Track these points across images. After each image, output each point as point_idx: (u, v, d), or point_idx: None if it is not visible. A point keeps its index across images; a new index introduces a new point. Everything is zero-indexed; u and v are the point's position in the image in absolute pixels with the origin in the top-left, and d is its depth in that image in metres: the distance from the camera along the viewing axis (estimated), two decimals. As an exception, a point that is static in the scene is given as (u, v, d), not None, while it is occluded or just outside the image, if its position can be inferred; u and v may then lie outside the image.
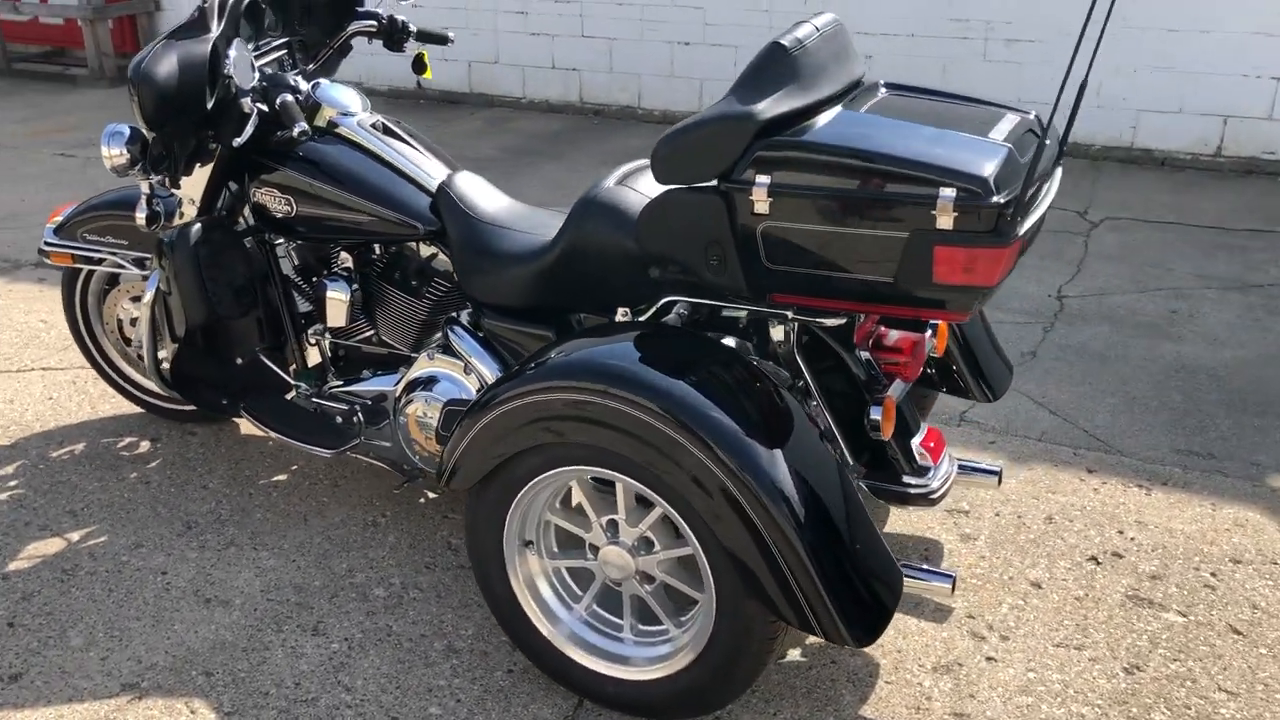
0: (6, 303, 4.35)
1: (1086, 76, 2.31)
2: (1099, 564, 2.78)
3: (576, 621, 2.31)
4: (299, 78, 2.84)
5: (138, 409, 3.45)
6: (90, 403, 3.55)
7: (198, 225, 2.76)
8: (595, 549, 2.26)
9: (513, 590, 2.29)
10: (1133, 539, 2.88)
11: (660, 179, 2.18)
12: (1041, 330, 4.17)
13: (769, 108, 2.09)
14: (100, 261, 3.17)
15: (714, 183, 2.12)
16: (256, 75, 2.58)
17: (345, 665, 2.42)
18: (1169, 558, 2.80)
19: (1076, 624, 2.56)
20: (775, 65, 2.14)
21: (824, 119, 2.14)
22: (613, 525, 2.22)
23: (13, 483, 3.10)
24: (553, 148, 6.67)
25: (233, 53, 2.45)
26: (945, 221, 1.97)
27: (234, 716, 2.28)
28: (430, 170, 2.75)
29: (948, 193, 1.96)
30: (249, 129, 2.60)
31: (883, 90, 2.35)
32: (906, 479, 2.41)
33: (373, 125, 2.79)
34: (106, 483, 3.11)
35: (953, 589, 2.29)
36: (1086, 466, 3.22)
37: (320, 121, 2.78)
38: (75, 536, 2.86)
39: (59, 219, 3.20)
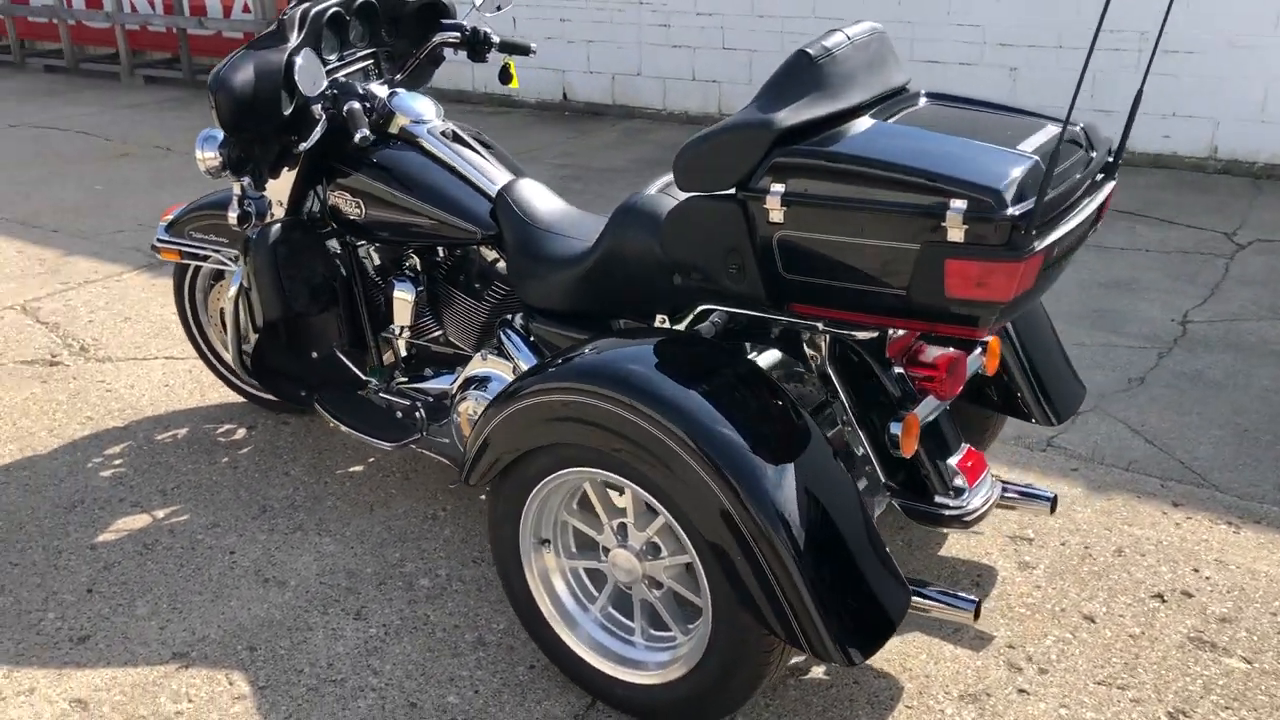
0: (147, 295, 4.67)
1: (1142, 86, 2.22)
2: (1164, 601, 2.63)
3: (591, 622, 2.34)
4: (383, 86, 2.97)
5: (241, 398, 3.66)
6: (201, 391, 3.78)
7: (278, 225, 2.91)
8: (607, 551, 2.28)
9: (529, 587, 2.34)
10: (1208, 578, 2.71)
11: (681, 186, 2.19)
12: (1156, 355, 3.96)
13: (788, 116, 2.07)
14: (205, 258, 3.38)
15: (732, 191, 2.12)
16: (326, 83, 2.71)
17: (378, 650, 2.52)
18: (1245, 600, 2.63)
19: (1125, 662, 2.43)
20: (799, 74, 2.12)
21: (846, 128, 2.11)
22: (623, 529, 2.24)
23: (117, 461, 3.34)
24: (684, 159, 6.70)
25: (300, 60, 2.58)
26: (956, 234, 1.92)
27: (267, 690, 2.40)
28: (494, 177, 2.83)
29: (958, 204, 1.91)
30: (315, 134, 2.73)
31: (923, 100, 2.30)
32: (939, 499, 2.34)
33: (443, 133, 2.89)
34: (199, 465, 3.31)
35: (975, 615, 2.21)
36: (1173, 500, 3.04)
37: (394, 129, 2.90)
38: (161, 514, 3.06)
39: (170, 217, 3.43)
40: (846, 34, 2.20)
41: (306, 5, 2.83)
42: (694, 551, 2.05)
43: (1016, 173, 1.93)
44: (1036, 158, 2.00)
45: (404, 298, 2.91)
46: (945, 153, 2.00)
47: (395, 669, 2.46)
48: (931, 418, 2.35)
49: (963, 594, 2.23)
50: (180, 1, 9.20)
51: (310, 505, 3.09)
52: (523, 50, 3.22)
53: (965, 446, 2.43)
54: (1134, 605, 2.62)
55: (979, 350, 2.52)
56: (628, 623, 2.33)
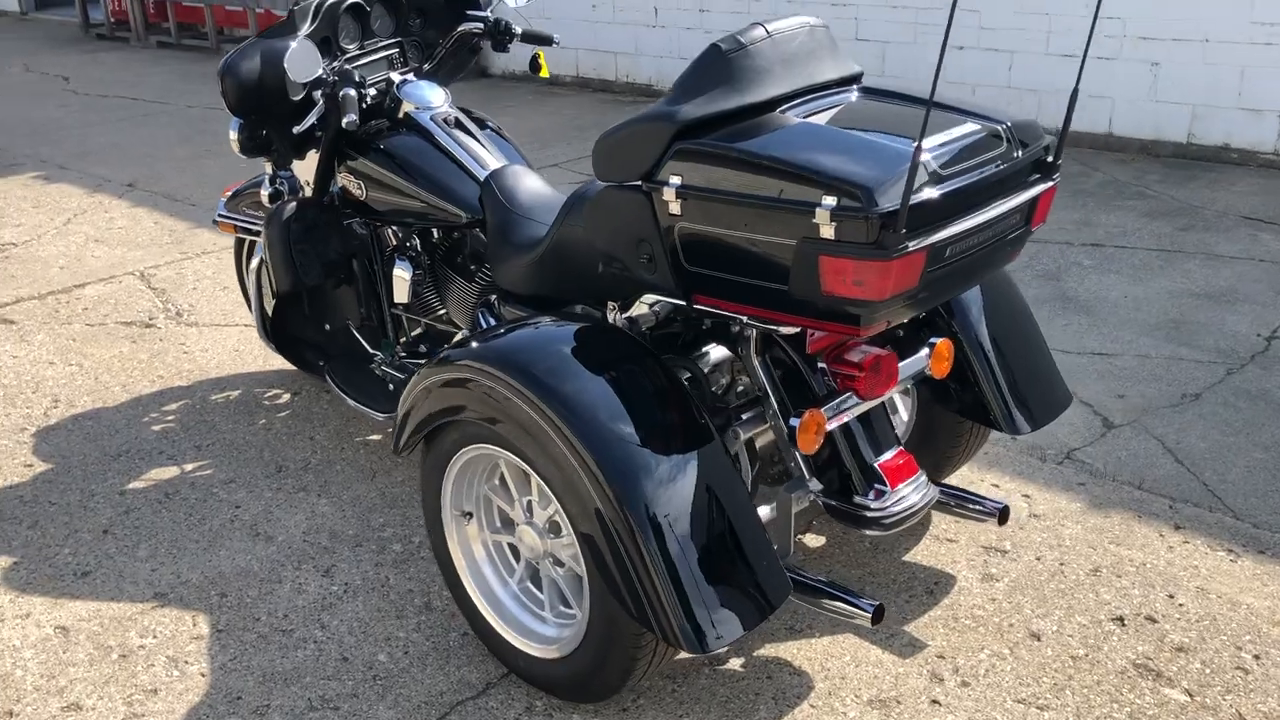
0: (250, 267, 5.01)
1: (1077, 85, 2.14)
2: (1123, 625, 2.51)
3: (505, 594, 2.42)
4: (408, 74, 3.13)
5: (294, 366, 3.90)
6: (265, 357, 4.05)
7: (293, 203, 3.10)
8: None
9: (450, 555, 2.44)
10: (1181, 605, 2.57)
11: (599, 176, 2.24)
12: (1224, 371, 3.72)
13: (692, 110, 2.10)
14: (257, 232, 3.62)
15: (639, 182, 2.16)
16: (320, 70, 2.87)
17: (332, 606, 2.67)
18: (1212, 632, 2.47)
19: (1055, 683, 2.34)
20: (709, 67, 2.14)
21: (750, 123, 2.11)
22: (531, 506, 2.31)
23: (170, 418, 3.63)
24: (800, 151, 6.65)
25: (293, 47, 2.74)
26: (827, 231, 1.91)
27: (222, 633, 2.59)
28: (488, 163, 2.93)
29: (829, 200, 1.90)
30: (310, 119, 2.90)
31: (852, 95, 2.27)
32: (858, 499, 2.31)
33: (445, 119, 3.01)
34: (238, 425, 3.56)
35: (874, 619, 2.18)
36: (1175, 522, 2.88)
37: (401, 115, 3.04)
38: (190, 467, 3.32)
39: (229, 194, 3.69)
40: (766, 27, 2.19)
41: (322, -2, 3.00)
42: (572, 532, 2.11)
43: (894, 169, 1.90)
44: (925, 152, 1.96)
45: (402, 276, 3.06)
46: (830, 148, 1.99)
47: (341, 625, 2.61)
48: (852, 417, 2.32)
49: (862, 596, 2.21)
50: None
51: (321, 468, 3.29)
52: (545, 40, 3.30)
53: (896, 448, 2.38)
54: (1088, 627, 2.51)
55: (924, 351, 2.47)
56: (541, 597, 2.40)
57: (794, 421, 2.20)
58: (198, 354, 4.11)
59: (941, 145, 2.01)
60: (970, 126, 2.10)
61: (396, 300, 3.11)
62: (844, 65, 2.33)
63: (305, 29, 2.95)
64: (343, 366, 3.28)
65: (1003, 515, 2.52)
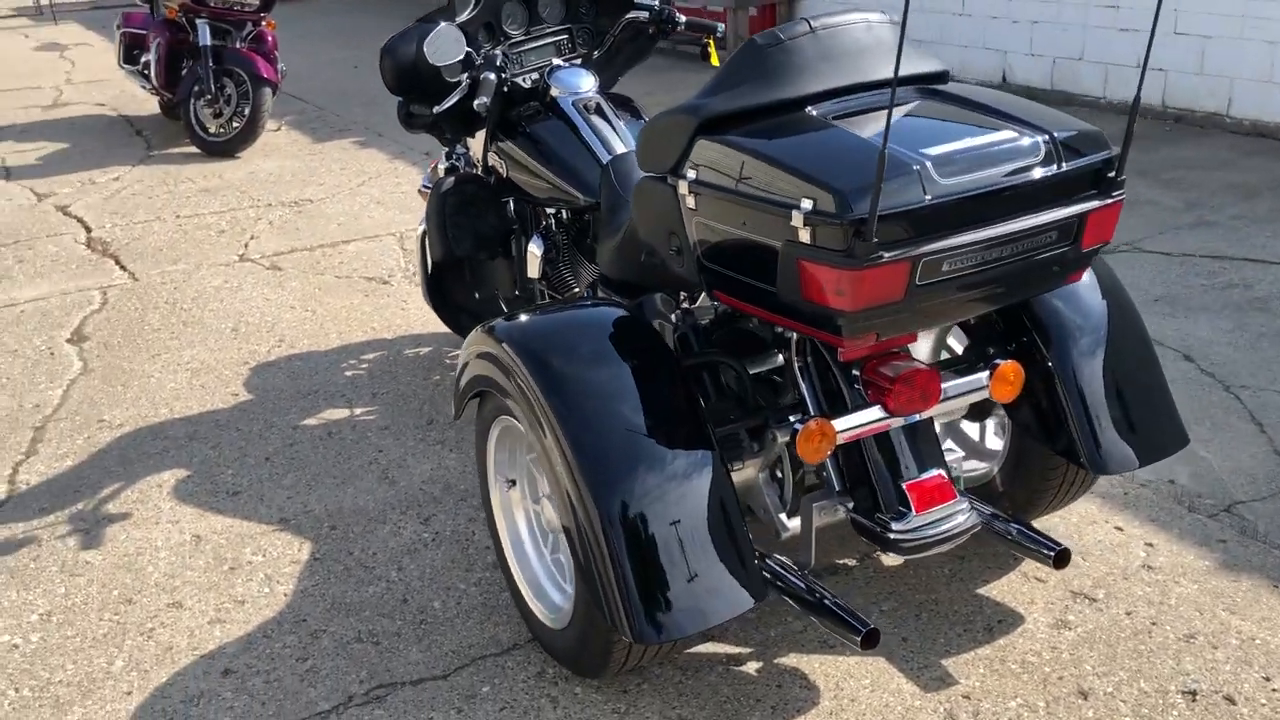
0: (492, 235, 5.35)
1: (1138, 94, 1.95)
2: (1192, 700, 2.24)
3: (539, 562, 2.51)
4: (570, 61, 3.27)
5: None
6: (466, 319, 4.35)
7: (452, 178, 3.33)
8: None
9: (493, 517, 2.56)
10: (1274, 691, 2.25)
11: (639, 166, 2.28)
12: None
13: (718, 104, 2.10)
14: (448, 203, 3.89)
15: (667, 174, 2.18)
16: (461, 54, 3.03)
17: (415, 552, 2.88)
18: (1299, 725, 2.16)
19: (1079, 747, 2.14)
20: (744, 61, 2.13)
21: (768, 120, 2.07)
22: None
23: (363, 365, 4.00)
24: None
25: (437, 29, 2.93)
26: (804, 235, 1.86)
27: (315, 562, 2.86)
28: (616, 149, 3.01)
29: (806, 204, 1.84)
30: (450, 100, 3.09)
31: (907, 92, 2.15)
32: (879, 517, 2.21)
33: (585, 105, 3.12)
34: (414, 379, 3.87)
35: (865, 643, 2.08)
36: (1316, 597, 2.51)
37: (548, 99, 3.18)
38: (359, 411, 3.65)
39: (433, 167, 3.98)
40: (810, 22, 2.13)
41: (486, -16, 3.19)
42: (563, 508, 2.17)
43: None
44: (926, 159, 1.85)
45: (535, 252, 3.20)
46: (826, 149, 1.92)
47: (416, 569, 2.81)
48: (881, 431, 2.21)
49: (861, 620, 2.11)
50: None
51: (465, 426, 3.51)
52: (709, 29, 3.33)
53: (934, 470, 2.24)
54: (1149, 696, 2.26)
55: (985, 372, 2.30)
56: (566, 567, 2.47)
57: (797, 427, 2.14)
58: (412, 311, 4.48)
59: (951, 152, 1.89)
60: (1003, 134, 1.95)
61: (530, 275, 3.26)
62: (908, 63, 2.20)
63: (464, 15, 3.14)
64: (486, 334, 3.47)
65: (1059, 559, 2.30)
